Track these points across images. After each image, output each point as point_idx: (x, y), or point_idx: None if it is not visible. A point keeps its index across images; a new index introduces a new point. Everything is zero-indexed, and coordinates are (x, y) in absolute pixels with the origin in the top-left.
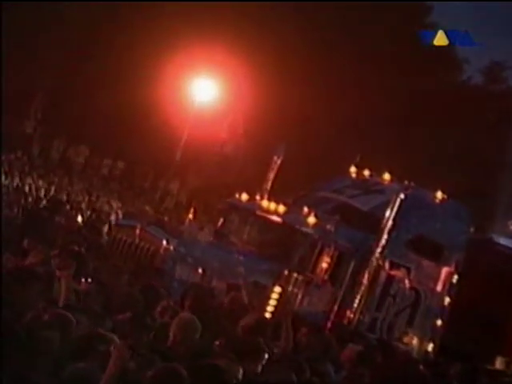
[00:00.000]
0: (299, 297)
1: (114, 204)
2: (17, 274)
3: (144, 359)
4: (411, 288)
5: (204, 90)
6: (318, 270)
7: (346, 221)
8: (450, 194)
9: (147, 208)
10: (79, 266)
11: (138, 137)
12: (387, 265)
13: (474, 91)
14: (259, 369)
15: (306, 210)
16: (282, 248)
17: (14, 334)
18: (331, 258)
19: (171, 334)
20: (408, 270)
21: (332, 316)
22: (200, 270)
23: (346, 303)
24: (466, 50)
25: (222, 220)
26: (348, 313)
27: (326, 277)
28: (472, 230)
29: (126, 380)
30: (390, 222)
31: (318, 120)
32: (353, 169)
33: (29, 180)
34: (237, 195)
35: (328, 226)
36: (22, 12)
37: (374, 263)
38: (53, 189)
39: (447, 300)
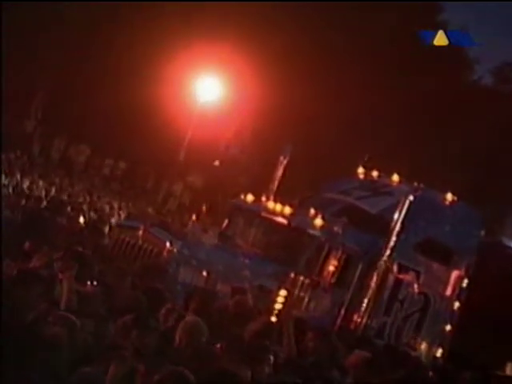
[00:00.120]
0: (305, 301)
1: (116, 205)
2: (21, 276)
3: (152, 362)
4: (420, 292)
5: (208, 89)
6: (325, 274)
7: (353, 223)
8: (460, 195)
9: (150, 209)
10: (83, 268)
11: (140, 136)
12: (396, 268)
13: (485, 91)
14: (265, 373)
15: (312, 211)
16: (288, 251)
17: (18, 337)
18: (338, 261)
19: (177, 338)
20: (417, 273)
21: (339, 320)
22: (204, 273)
23: (354, 307)
24: (476, 50)
25: (226, 222)
26: (355, 317)
27: (332, 280)
28: (482, 232)
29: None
30: (399, 225)
31: (325, 120)
32: (361, 170)
33: (29, 180)
34: (242, 196)
35: (335, 229)
36: (22, 12)
37: (382, 266)
38: (53, 189)
39: (457, 304)
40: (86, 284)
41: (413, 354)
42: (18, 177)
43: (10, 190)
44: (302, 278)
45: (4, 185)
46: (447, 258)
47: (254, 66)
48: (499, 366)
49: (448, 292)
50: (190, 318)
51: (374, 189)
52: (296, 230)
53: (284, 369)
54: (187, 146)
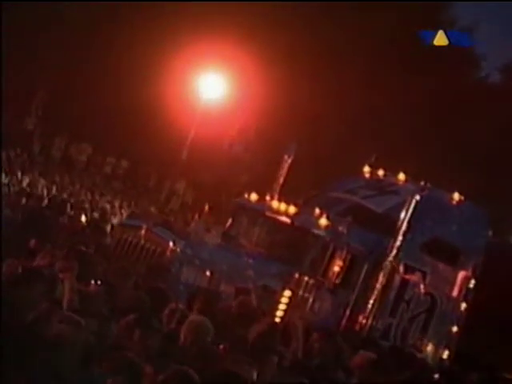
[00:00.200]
0: (310, 301)
1: (118, 204)
2: (24, 274)
3: (156, 362)
4: (426, 293)
5: (211, 87)
6: (330, 274)
7: (359, 222)
8: (468, 195)
9: (152, 209)
10: (86, 268)
11: (142, 135)
12: (402, 268)
13: (492, 89)
14: (269, 374)
15: (317, 211)
16: (293, 250)
17: (19, 337)
18: (343, 261)
19: (182, 336)
20: (423, 274)
21: (344, 322)
22: (208, 273)
23: (359, 308)
24: (483, 47)
25: (230, 221)
26: (360, 318)
27: (337, 281)
28: (490, 232)
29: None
30: (405, 224)
31: (330, 118)
32: (366, 168)
33: (30, 178)
34: (246, 195)
35: (340, 228)
36: (23, 11)
37: (388, 267)
38: (54, 188)
39: (463, 306)
40: (89, 283)
41: (419, 355)
42: (19, 175)
43: (11, 189)
44: (306, 278)
45: (4, 183)
46: (454, 259)
47: (258, 63)
48: (506, 368)
49: (455, 293)
50: (195, 317)
51: (380, 188)
52: (300, 230)
53: (290, 370)
54: (190, 145)
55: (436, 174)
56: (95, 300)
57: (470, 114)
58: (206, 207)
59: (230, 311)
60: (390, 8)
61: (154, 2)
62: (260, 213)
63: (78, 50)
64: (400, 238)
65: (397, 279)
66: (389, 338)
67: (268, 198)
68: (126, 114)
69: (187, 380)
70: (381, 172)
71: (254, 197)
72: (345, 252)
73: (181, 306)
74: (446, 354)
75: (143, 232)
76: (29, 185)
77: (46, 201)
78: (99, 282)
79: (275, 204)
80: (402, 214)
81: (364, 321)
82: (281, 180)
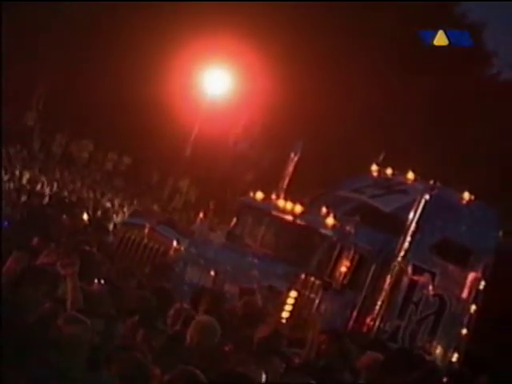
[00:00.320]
0: (316, 302)
1: (121, 202)
2: (30, 273)
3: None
4: (435, 294)
5: (216, 82)
6: (337, 274)
7: (366, 222)
8: (478, 194)
9: (155, 207)
10: (90, 267)
11: (144, 131)
12: (410, 269)
13: (503, 86)
14: (275, 376)
15: (324, 210)
16: (299, 250)
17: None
18: (351, 261)
19: (189, 337)
20: (432, 275)
21: (351, 323)
22: (212, 273)
23: (366, 310)
24: (494, 44)
25: (235, 220)
26: (368, 320)
27: (344, 281)
28: (500, 233)
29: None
30: (414, 224)
31: (337, 116)
32: (374, 167)
33: (30, 176)
34: (251, 194)
35: (348, 228)
36: (24, 5)
37: (397, 267)
38: (55, 185)
39: (473, 308)
40: (92, 283)
41: (427, 358)
42: (18, 172)
43: (11, 186)
44: (312, 278)
45: (4, 181)
46: (464, 259)
47: (264, 58)
48: None
49: (464, 294)
50: (203, 317)
51: (388, 187)
52: (307, 230)
53: (296, 371)
54: (194, 142)
55: (446, 172)
56: (99, 300)
57: (481, 112)
58: (211, 205)
59: (235, 312)
60: (399, 4)
61: None
62: (266, 212)
63: (80, 46)
64: (408, 238)
65: (405, 280)
66: (397, 340)
67: (274, 196)
68: (128, 110)
69: (194, 380)
70: (389, 171)
71: (259, 195)
72: (352, 252)
73: (186, 306)
74: (455, 357)
75: (146, 230)
76: (29, 182)
77: (46, 198)
78: (102, 282)
79: (281, 203)
80: (411, 214)
81: (371, 322)
82: (287, 178)
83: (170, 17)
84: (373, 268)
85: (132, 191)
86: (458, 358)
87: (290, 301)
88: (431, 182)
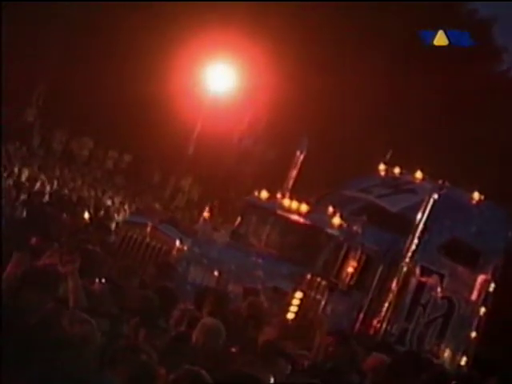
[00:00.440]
0: (322, 304)
1: (122, 200)
2: (31, 275)
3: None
4: (444, 296)
5: (220, 78)
6: (343, 275)
7: (373, 222)
8: (488, 194)
9: (156, 205)
10: (93, 266)
11: (146, 128)
12: (418, 271)
13: None
14: (280, 377)
15: (330, 209)
16: (305, 250)
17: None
18: (357, 262)
19: (194, 339)
20: (440, 276)
21: (357, 325)
22: (216, 273)
23: (373, 311)
24: (504, 40)
25: (239, 219)
26: (375, 322)
27: (351, 282)
28: (510, 233)
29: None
30: (422, 225)
31: (344, 113)
32: (382, 166)
33: (29, 173)
34: (256, 193)
35: (354, 228)
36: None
37: (404, 268)
38: (55, 183)
39: (483, 310)
40: (94, 282)
41: (436, 361)
42: (17, 170)
43: (10, 184)
44: (318, 279)
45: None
46: (473, 261)
47: (269, 53)
48: None
49: (473, 296)
50: (208, 319)
51: (396, 186)
52: (313, 229)
53: (303, 373)
54: (197, 139)
55: (455, 172)
56: (102, 299)
57: (491, 109)
58: (214, 204)
59: (239, 312)
60: (406, 3)
61: None
62: (271, 211)
63: (80, 42)
64: (416, 238)
65: (413, 282)
66: (404, 343)
67: (279, 195)
68: (130, 107)
69: (199, 380)
70: (397, 170)
71: (264, 194)
72: (359, 252)
73: (190, 306)
74: (463, 361)
75: (149, 229)
76: (28, 180)
77: (46, 197)
78: (104, 280)
79: (286, 202)
80: (419, 214)
81: (378, 325)
82: (293, 177)
83: (173, 12)
84: (380, 269)
85: (133, 189)
86: (467, 362)
87: (296, 302)
88: (440, 181)
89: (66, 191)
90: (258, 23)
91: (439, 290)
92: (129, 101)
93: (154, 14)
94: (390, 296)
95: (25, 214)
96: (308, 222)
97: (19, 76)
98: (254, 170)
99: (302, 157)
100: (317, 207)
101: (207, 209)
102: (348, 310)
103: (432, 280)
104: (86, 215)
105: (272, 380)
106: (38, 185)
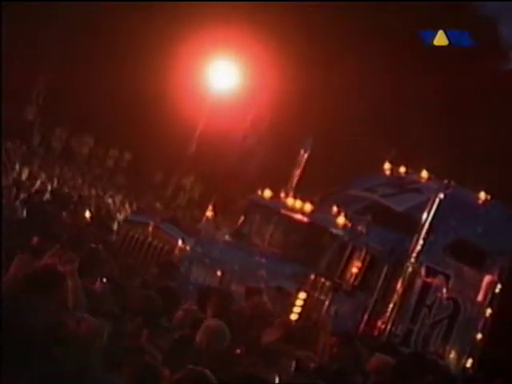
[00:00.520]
0: (326, 304)
1: (123, 199)
2: (35, 278)
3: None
4: (449, 297)
5: (223, 76)
6: (348, 276)
7: (378, 222)
8: (494, 194)
9: (157, 204)
10: (94, 264)
11: (147, 126)
12: (423, 271)
13: None
14: (285, 379)
15: (335, 209)
16: (308, 250)
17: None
18: (362, 262)
19: (197, 340)
20: (446, 277)
21: (362, 326)
22: (219, 273)
23: (378, 312)
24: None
25: (242, 218)
26: (379, 323)
27: (355, 283)
28: None
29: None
30: (427, 224)
31: (349, 111)
32: (387, 165)
33: (29, 172)
34: (259, 192)
35: (359, 227)
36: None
37: (409, 269)
38: (56, 181)
39: (489, 311)
40: (96, 281)
41: (441, 363)
42: (18, 168)
43: (10, 182)
44: (322, 279)
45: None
46: (479, 261)
47: (272, 50)
48: None
49: (479, 298)
50: (212, 321)
51: (401, 186)
52: (317, 229)
53: (307, 374)
54: (199, 137)
55: (461, 171)
56: (103, 298)
57: (498, 108)
58: (217, 203)
59: (243, 313)
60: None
61: None
62: (274, 210)
63: (81, 39)
64: (422, 238)
65: (418, 282)
66: (409, 345)
67: (283, 194)
68: (131, 105)
69: (203, 380)
70: (402, 169)
71: (267, 193)
72: (364, 252)
73: (193, 306)
74: (469, 363)
75: (150, 229)
76: (28, 178)
77: (47, 195)
78: (105, 280)
79: (290, 201)
80: (425, 214)
81: (383, 326)
82: (296, 176)
83: (175, 7)
84: (385, 269)
85: (134, 188)
86: (473, 364)
87: (299, 302)
88: (446, 180)
89: (67, 189)
90: (261, 20)
91: (445, 290)
92: (130, 99)
93: (156, 9)
94: (395, 297)
95: (25, 213)
96: (312, 222)
97: (19, 75)
98: (257, 168)
99: (306, 155)
100: (321, 206)
101: (210, 208)
102: (352, 310)
103: (437, 281)
104: (87, 214)
105: (277, 380)
106: (38, 183)
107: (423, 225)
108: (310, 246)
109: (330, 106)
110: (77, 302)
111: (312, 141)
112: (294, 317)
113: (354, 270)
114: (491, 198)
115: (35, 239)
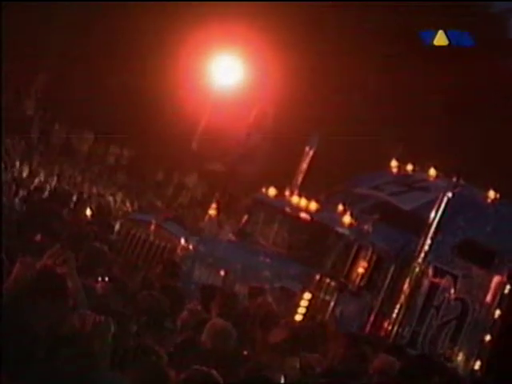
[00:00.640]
0: (331, 305)
1: (125, 197)
2: (38, 281)
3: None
4: (457, 298)
5: (226, 71)
6: (353, 276)
7: (385, 221)
8: (504, 193)
9: (159, 203)
10: (96, 263)
11: (148, 123)
12: (431, 271)
13: None
14: (294, 380)
15: (340, 207)
16: (313, 250)
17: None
18: (368, 262)
19: (202, 340)
20: (454, 277)
21: (368, 327)
22: (222, 272)
23: (384, 313)
24: None
25: (246, 217)
26: (385, 324)
27: (361, 283)
28: None
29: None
30: (435, 224)
31: (355, 108)
32: (394, 163)
33: (28, 168)
34: (263, 190)
35: (365, 227)
36: None
37: (417, 269)
38: (55, 179)
39: (498, 313)
40: (98, 280)
41: (448, 365)
42: (17, 165)
43: (9, 179)
44: (328, 280)
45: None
46: (488, 262)
47: (277, 44)
48: None
49: (488, 299)
50: (217, 320)
51: (409, 184)
52: (322, 228)
53: (315, 376)
54: (202, 134)
55: (470, 169)
56: (105, 298)
57: (509, 105)
58: (221, 201)
59: (247, 313)
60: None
61: None
62: (279, 209)
63: (82, 32)
64: (429, 238)
65: (425, 283)
66: (416, 347)
67: (287, 193)
68: (132, 101)
69: (209, 380)
70: (410, 167)
71: (272, 192)
72: (370, 252)
73: (196, 306)
74: (477, 365)
75: (152, 227)
76: (28, 175)
77: (46, 193)
78: (107, 279)
79: (295, 200)
80: (432, 213)
81: (389, 327)
82: (302, 174)
83: (177, 2)
84: (391, 269)
85: (135, 186)
86: (481, 366)
87: (304, 303)
88: (454, 179)
89: (67, 187)
90: (265, 15)
91: (453, 291)
92: (132, 95)
93: (159, 4)
94: (402, 297)
95: (24, 210)
96: (317, 221)
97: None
98: (261, 166)
99: (311, 153)
100: (326, 205)
101: (213, 206)
102: (358, 311)
103: (445, 281)
104: (88, 212)
105: (283, 381)
106: (37, 181)
107: (431, 224)
108: (315, 246)
109: (336, 103)
110: (78, 302)
111: (318, 138)
112: (298, 318)
113: (360, 270)
114: (500, 196)
115: (38, 237)
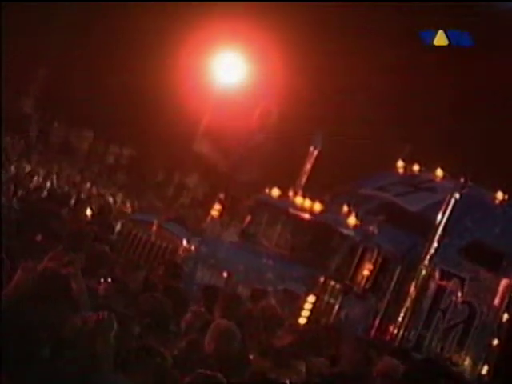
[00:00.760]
0: (336, 308)
1: (125, 197)
2: (41, 286)
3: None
4: (464, 301)
5: (229, 69)
6: (359, 278)
7: (391, 222)
8: None
9: (159, 203)
10: (98, 264)
11: (149, 122)
12: (437, 274)
13: None
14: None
15: (345, 208)
16: (318, 252)
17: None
18: (374, 264)
19: (206, 343)
20: (461, 280)
21: (373, 331)
22: (225, 274)
23: (390, 316)
24: None
25: (249, 218)
26: (391, 328)
27: (367, 286)
28: None
29: None
30: (442, 225)
31: (360, 107)
32: (400, 163)
33: (27, 167)
34: (267, 190)
35: (370, 228)
36: None
37: (423, 272)
38: (54, 178)
39: (505, 316)
40: (100, 281)
41: (455, 370)
42: (16, 164)
43: (7, 179)
44: (332, 282)
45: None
46: (496, 264)
47: (283, 41)
48: None
49: (496, 302)
50: (221, 321)
51: (415, 185)
52: (327, 229)
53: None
54: (203, 134)
55: (477, 170)
56: (108, 299)
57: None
58: (224, 202)
59: (251, 315)
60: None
61: None
62: (282, 210)
63: (82, 31)
64: (436, 240)
65: (432, 286)
66: (422, 351)
67: (291, 193)
68: (133, 100)
69: (214, 382)
70: (416, 167)
71: (275, 192)
72: (375, 254)
73: (199, 308)
74: (485, 369)
75: (154, 228)
76: (26, 174)
77: (45, 192)
78: (110, 280)
79: (299, 200)
80: (439, 214)
81: (395, 330)
82: (306, 174)
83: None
84: (397, 272)
85: (136, 186)
86: (489, 370)
87: (308, 306)
88: (462, 179)
89: (66, 187)
90: (269, 12)
91: (460, 294)
92: (132, 93)
93: (160, 1)
94: (408, 300)
95: (23, 210)
96: (321, 222)
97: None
98: (264, 166)
99: (315, 153)
100: (331, 206)
101: (215, 206)
102: (363, 314)
103: (452, 284)
104: (88, 212)
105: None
106: (36, 180)
107: (438, 226)
108: (319, 247)
109: (341, 102)
110: (81, 303)
111: (322, 137)
112: (302, 321)
113: (365, 272)
114: (509, 197)
115: (39, 237)
